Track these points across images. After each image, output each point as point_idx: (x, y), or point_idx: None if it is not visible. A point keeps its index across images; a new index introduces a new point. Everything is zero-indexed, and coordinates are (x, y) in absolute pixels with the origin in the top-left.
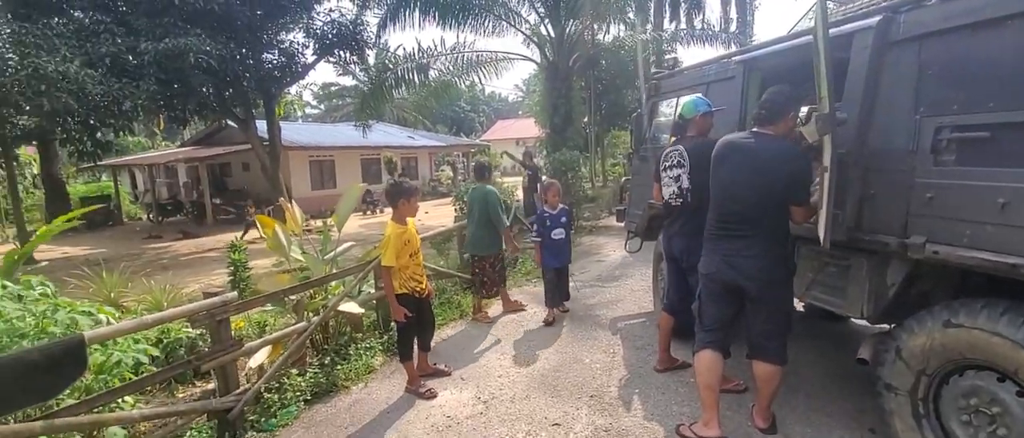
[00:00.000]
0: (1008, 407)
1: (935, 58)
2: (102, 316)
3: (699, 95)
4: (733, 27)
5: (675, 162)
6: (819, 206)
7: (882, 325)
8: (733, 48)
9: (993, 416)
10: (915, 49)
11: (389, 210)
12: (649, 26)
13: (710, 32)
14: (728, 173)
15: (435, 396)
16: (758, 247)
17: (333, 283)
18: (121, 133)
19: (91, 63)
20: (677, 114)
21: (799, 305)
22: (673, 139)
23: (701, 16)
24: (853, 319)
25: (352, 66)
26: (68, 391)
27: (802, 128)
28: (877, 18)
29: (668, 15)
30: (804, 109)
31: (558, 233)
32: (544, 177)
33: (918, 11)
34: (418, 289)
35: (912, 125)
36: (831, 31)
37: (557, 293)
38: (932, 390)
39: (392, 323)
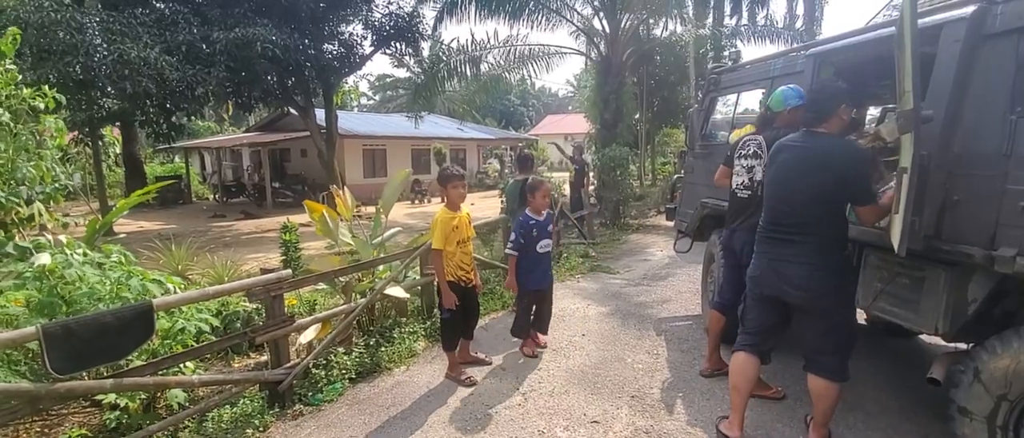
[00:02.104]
0: None
1: None
2: (170, 285)
3: (792, 85)
4: (799, 23)
5: (751, 152)
6: (895, 210)
7: (957, 344)
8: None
9: None
10: (1013, 43)
11: (437, 200)
12: (709, 21)
13: (774, 28)
14: (777, 174)
15: (475, 384)
16: (808, 253)
17: (380, 267)
18: (193, 117)
19: (169, 50)
20: (764, 106)
21: (861, 317)
22: (755, 130)
23: (765, 11)
24: (923, 335)
25: (407, 58)
26: (136, 353)
27: (880, 126)
28: (971, 8)
29: (729, 10)
30: (874, 109)
31: (545, 245)
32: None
33: (1020, 1)
34: (465, 278)
35: (1007, 126)
36: (918, 22)
37: (539, 320)
38: (1014, 418)
39: (436, 311)
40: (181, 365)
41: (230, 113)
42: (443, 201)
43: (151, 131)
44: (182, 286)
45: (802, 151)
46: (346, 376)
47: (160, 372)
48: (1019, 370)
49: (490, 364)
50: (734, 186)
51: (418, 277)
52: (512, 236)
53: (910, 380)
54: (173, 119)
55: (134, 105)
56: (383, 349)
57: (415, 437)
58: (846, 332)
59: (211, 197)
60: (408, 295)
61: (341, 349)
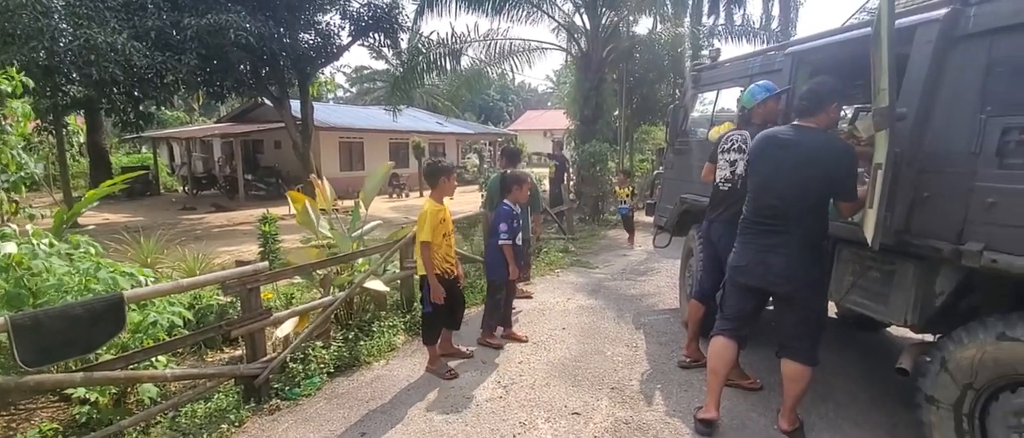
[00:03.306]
0: None
1: (1008, 54)
2: (141, 277)
3: (762, 81)
4: (775, 24)
5: (736, 146)
6: (869, 205)
7: (925, 335)
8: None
9: None
10: (985, 44)
11: (415, 194)
12: (688, 20)
13: (751, 28)
14: (767, 167)
15: (456, 377)
16: (793, 245)
17: (359, 260)
18: (162, 106)
19: (137, 36)
20: (739, 106)
21: (832, 310)
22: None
23: (742, 11)
24: (891, 327)
25: (385, 50)
26: (106, 347)
27: (857, 123)
28: (944, 10)
29: (706, 9)
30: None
31: (520, 238)
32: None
33: (992, 4)
34: (449, 270)
35: (976, 125)
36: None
37: (504, 314)
38: (979, 405)
39: (417, 304)
40: (153, 359)
41: (201, 102)
42: (422, 194)
43: (118, 120)
44: (153, 278)
45: (791, 145)
46: (324, 370)
47: (131, 366)
48: (984, 360)
49: (471, 357)
50: (717, 180)
51: (398, 270)
52: (503, 227)
53: (879, 371)
54: (141, 107)
55: (100, 92)
56: (362, 343)
57: (395, 430)
58: (820, 320)
59: (180, 189)
60: (388, 289)
61: (319, 343)
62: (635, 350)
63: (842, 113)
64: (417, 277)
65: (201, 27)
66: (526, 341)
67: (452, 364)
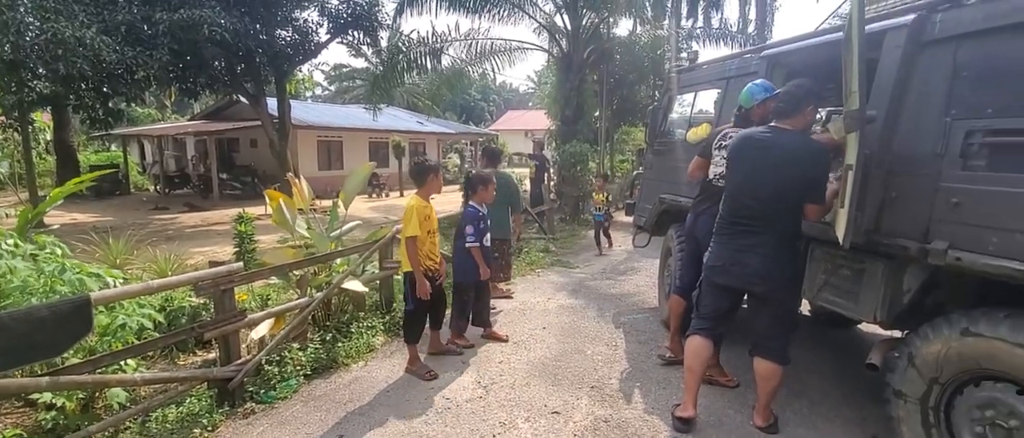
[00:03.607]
0: None
1: (972, 60)
2: (109, 279)
3: (759, 81)
4: (751, 27)
5: (727, 145)
6: (840, 205)
7: (893, 331)
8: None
9: (1010, 429)
10: (950, 50)
11: (395, 194)
12: (667, 22)
13: (728, 31)
14: (745, 168)
15: (436, 378)
16: (770, 245)
17: (338, 261)
18: (132, 102)
19: (107, 30)
20: (738, 105)
21: (805, 309)
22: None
23: (719, 15)
24: (862, 325)
25: (365, 48)
26: (73, 350)
27: (829, 125)
28: (912, 16)
29: (685, 12)
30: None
31: (488, 239)
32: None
33: (957, 11)
34: (434, 268)
35: (941, 128)
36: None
37: (480, 313)
38: (944, 399)
39: (397, 304)
40: (122, 363)
41: (173, 99)
42: (403, 194)
43: (86, 117)
44: (122, 280)
45: (770, 146)
46: (301, 372)
47: (99, 370)
48: (949, 355)
49: (461, 354)
50: (711, 176)
51: (377, 271)
52: (470, 229)
53: (850, 368)
54: (110, 104)
55: (68, 88)
56: (340, 344)
57: (373, 432)
58: (793, 319)
59: (152, 188)
60: (366, 289)
61: (296, 345)
62: (615, 349)
63: (817, 116)
64: (400, 275)
65: (173, 22)
66: (506, 340)
67: (432, 364)
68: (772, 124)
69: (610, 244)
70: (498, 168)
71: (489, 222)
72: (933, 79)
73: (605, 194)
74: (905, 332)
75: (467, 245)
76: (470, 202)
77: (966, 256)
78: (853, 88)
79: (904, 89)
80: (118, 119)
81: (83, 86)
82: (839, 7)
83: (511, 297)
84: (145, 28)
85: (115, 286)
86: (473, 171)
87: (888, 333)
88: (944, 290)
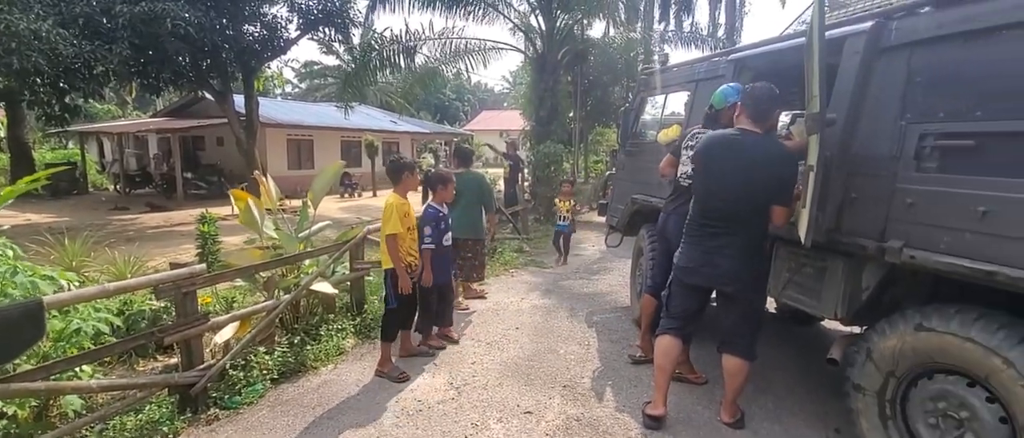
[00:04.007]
0: (977, 412)
1: (925, 65)
2: (63, 282)
3: (733, 84)
4: (721, 31)
5: (695, 146)
6: (802, 205)
7: (853, 327)
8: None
9: (961, 421)
10: (905, 56)
11: (367, 194)
12: (640, 25)
13: (698, 35)
14: (715, 170)
15: (408, 379)
16: (740, 245)
17: (307, 262)
18: (91, 98)
19: (64, 23)
20: (709, 105)
21: (771, 306)
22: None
23: (690, 18)
24: (825, 322)
25: (336, 45)
26: (25, 356)
27: (791, 127)
28: (870, 23)
29: (658, 15)
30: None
31: (448, 239)
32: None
33: (911, 18)
34: (415, 264)
35: (897, 131)
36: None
37: (442, 314)
38: (900, 392)
39: (372, 302)
40: (77, 369)
41: (134, 95)
42: (376, 194)
43: (41, 113)
44: (77, 283)
45: (744, 150)
46: (268, 377)
47: (52, 377)
48: (904, 349)
49: (433, 355)
50: (679, 174)
51: (347, 272)
52: (428, 231)
53: (814, 363)
54: (67, 100)
55: (22, 83)
56: (309, 347)
57: (342, 437)
58: (760, 317)
59: (111, 188)
60: (337, 291)
61: (262, 348)
62: (587, 348)
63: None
64: (371, 277)
65: (134, 15)
66: (457, 342)
67: (404, 366)
68: (740, 126)
69: (566, 255)
70: (470, 168)
71: (450, 222)
72: (889, 84)
73: (570, 202)
74: (864, 328)
75: (422, 247)
76: (430, 202)
77: (919, 254)
78: (814, 92)
79: (862, 93)
80: (75, 115)
81: (38, 81)
82: (802, 13)
83: (485, 297)
84: (104, 21)
85: (70, 289)
86: (431, 170)
87: (848, 329)
88: (900, 287)
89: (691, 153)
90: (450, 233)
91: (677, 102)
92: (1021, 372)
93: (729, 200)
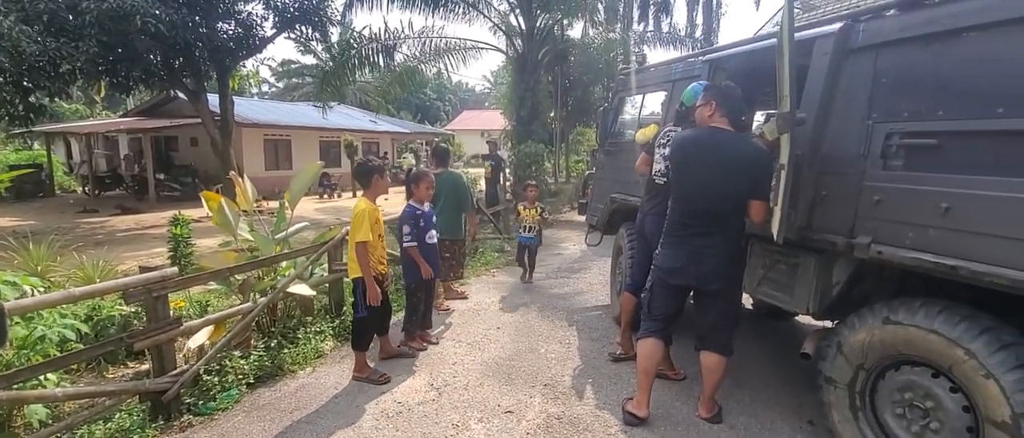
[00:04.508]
0: (941, 402)
1: (890, 67)
2: (26, 287)
3: (701, 81)
4: (698, 32)
5: (669, 142)
6: (773, 203)
7: (825, 322)
8: None
9: (926, 410)
10: (872, 57)
11: (347, 194)
12: (619, 26)
13: (676, 35)
14: (696, 170)
15: (388, 381)
16: (722, 244)
17: (284, 264)
18: (57, 97)
19: (27, 19)
20: (679, 103)
21: (748, 302)
22: (674, 123)
23: (669, 19)
24: (799, 316)
25: (314, 43)
26: None
27: (764, 127)
28: (838, 25)
29: (637, 16)
30: (759, 116)
31: (432, 236)
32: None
33: (877, 21)
34: (383, 273)
35: (864, 130)
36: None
37: (425, 315)
38: (869, 384)
39: (345, 308)
40: (41, 377)
41: (103, 94)
42: (355, 195)
43: (4, 113)
44: (42, 288)
45: (716, 147)
46: (243, 381)
47: (15, 385)
48: (873, 342)
49: (414, 356)
50: (653, 173)
51: (326, 273)
52: (406, 229)
53: (789, 358)
54: (31, 99)
55: None
56: (286, 351)
57: None
58: (737, 313)
59: (80, 190)
60: (314, 293)
61: (238, 353)
62: (568, 347)
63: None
64: (349, 280)
65: (102, 11)
66: (436, 344)
67: (384, 368)
68: (713, 125)
69: (532, 271)
70: (448, 168)
71: (433, 220)
72: (857, 84)
73: (537, 209)
74: (835, 323)
75: (404, 245)
76: (409, 201)
77: (886, 250)
78: (785, 92)
79: (831, 94)
80: (40, 115)
81: (0, 79)
82: (775, 15)
83: (466, 298)
84: (70, 17)
85: (34, 295)
86: (412, 170)
87: (821, 324)
88: (869, 282)
89: (666, 151)
90: (433, 231)
91: (655, 102)
92: (982, 362)
93: (713, 199)
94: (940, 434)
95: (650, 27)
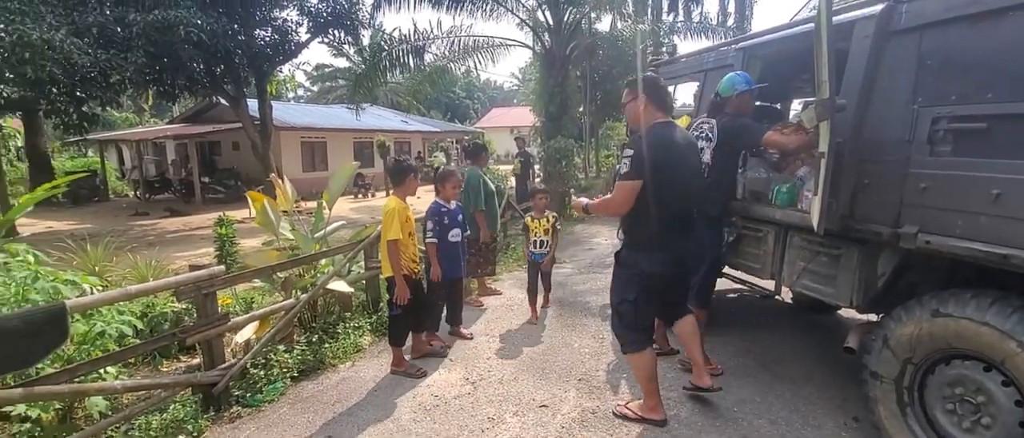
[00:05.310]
0: (993, 396)
1: (935, 48)
2: (86, 286)
3: (739, 72)
4: (730, 20)
5: (703, 135)
6: (814, 192)
7: (869, 315)
8: None
9: (978, 405)
10: (916, 39)
11: (380, 194)
12: (648, 16)
13: (708, 25)
14: (681, 172)
15: (425, 375)
16: (693, 234)
17: (322, 261)
18: (108, 107)
19: (78, 32)
20: (714, 93)
21: (787, 296)
22: (706, 114)
23: (700, 8)
24: (841, 309)
25: (346, 47)
26: (49, 360)
27: (802, 115)
28: (879, 7)
29: (666, 6)
30: (797, 104)
31: (455, 235)
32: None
33: (921, 1)
34: (415, 270)
35: (909, 115)
36: (833, 19)
37: (453, 312)
38: (918, 379)
39: (382, 305)
40: (101, 371)
41: (151, 103)
42: (388, 194)
43: (59, 122)
44: (100, 287)
45: (689, 146)
46: (288, 375)
47: (77, 379)
48: (921, 336)
49: (445, 356)
50: None
51: (363, 271)
52: (430, 225)
53: (831, 352)
54: (84, 108)
55: (38, 92)
56: (327, 345)
57: (362, 432)
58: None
59: (131, 194)
60: (352, 289)
61: (282, 347)
62: (601, 342)
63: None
64: (383, 278)
65: (148, 23)
66: (470, 338)
67: (421, 362)
68: (664, 120)
69: (547, 294)
70: (482, 165)
71: (459, 218)
72: (900, 67)
73: (546, 218)
74: (880, 315)
75: (426, 241)
76: (435, 198)
77: (935, 239)
78: (823, 78)
79: (873, 78)
80: (93, 124)
81: (54, 90)
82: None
83: (499, 293)
84: (118, 30)
85: (93, 293)
86: (440, 168)
87: (864, 317)
88: (916, 273)
89: (699, 143)
90: (457, 229)
91: (686, 93)
92: None
93: (692, 198)
94: (992, 429)
95: (680, 17)
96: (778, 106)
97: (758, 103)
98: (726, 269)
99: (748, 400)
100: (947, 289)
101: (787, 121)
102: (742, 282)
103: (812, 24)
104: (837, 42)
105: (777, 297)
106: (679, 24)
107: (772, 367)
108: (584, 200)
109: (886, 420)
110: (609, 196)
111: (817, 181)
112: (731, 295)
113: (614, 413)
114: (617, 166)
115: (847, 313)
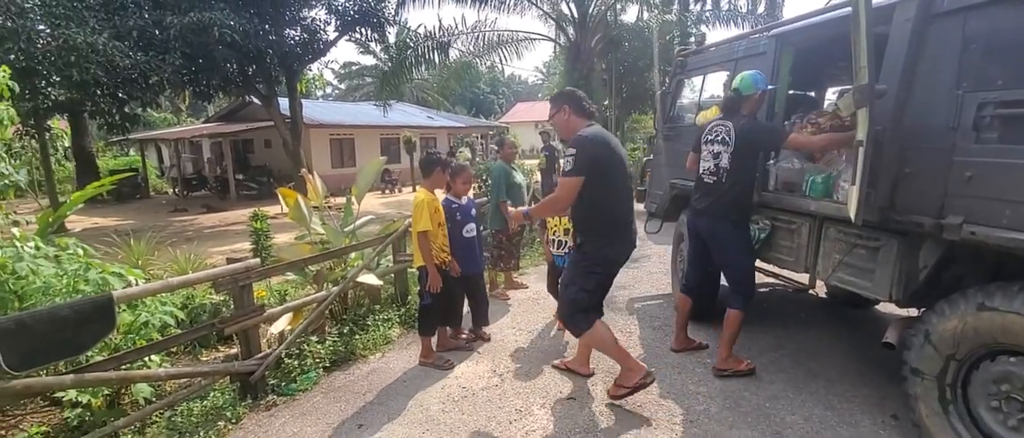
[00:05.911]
0: None
1: (981, 31)
2: (131, 277)
3: (758, 71)
4: (761, 8)
5: (719, 138)
6: (851, 182)
7: (910, 309)
8: None
9: None
10: (960, 21)
11: (407, 189)
12: (675, 7)
13: (737, 12)
14: (623, 171)
15: (452, 367)
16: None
17: (352, 255)
18: (148, 107)
19: (119, 36)
20: (731, 89)
21: (822, 290)
22: (721, 115)
23: None
24: (879, 303)
25: (373, 44)
26: (97, 348)
27: (839, 102)
28: None
29: None
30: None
31: (470, 230)
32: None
33: None
34: (446, 261)
35: (953, 101)
36: (872, 3)
37: (476, 311)
38: (961, 375)
39: (410, 297)
40: (146, 359)
41: (187, 103)
42: (415, 189)
43: (103, 122)
44: (144, 279)
45: (615, 139)
46: (320, 365)
47: (123, 366)
48: (965, 331)
49: (472, 350)
50: (700, 171)
51: (391, 264)
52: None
53: (868, 348)
54: (126, 109)
55: (83, 94)
56: (357, 337)
57: (392, 421)
58: None
59: (170, 191)
60: (381, 282)
61: (314, 338)
62: (629, 335)
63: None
64: (414, 269)
65: (184, 25)
66: (488, 340)
67: (449, 355)
68: (589, 123)
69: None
70: (508, 159)
71: (472, 213)
72: (943, 51)
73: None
74: (921, 310)
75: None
76: (447, 195)
77: (981, 230)
78: (862, 63)
79: (915, 63)
80: (134, 124)
81: (98, 92)
82: None
83: (526, 287)
84: (157, 32)
85: (138, 285)
86: (485, 163)
87: (904, 312)
88: (960, 265)
89: (713, 148)
90: (471, 224)
91: (716, 83)
92: None
93: (628, 187)
94: None
95: (708, 6)
96: (812, 94)
97: (791, 92)
98: (759, 263)
99: (781, 396)
100: (993, 282)
101: (822, 109)
102: (775, 276)
103: (849, 8)
104: (876, 26)
105: (811, 291)
106: (707, 13)
107: (806, 363)
108: (522, 209)
109: (927, 418)
110: (550, 196)
111: (855, 170)
112: (764, 289)
113: (609, 395)
114: (562, 162)
115: (884, 307)
